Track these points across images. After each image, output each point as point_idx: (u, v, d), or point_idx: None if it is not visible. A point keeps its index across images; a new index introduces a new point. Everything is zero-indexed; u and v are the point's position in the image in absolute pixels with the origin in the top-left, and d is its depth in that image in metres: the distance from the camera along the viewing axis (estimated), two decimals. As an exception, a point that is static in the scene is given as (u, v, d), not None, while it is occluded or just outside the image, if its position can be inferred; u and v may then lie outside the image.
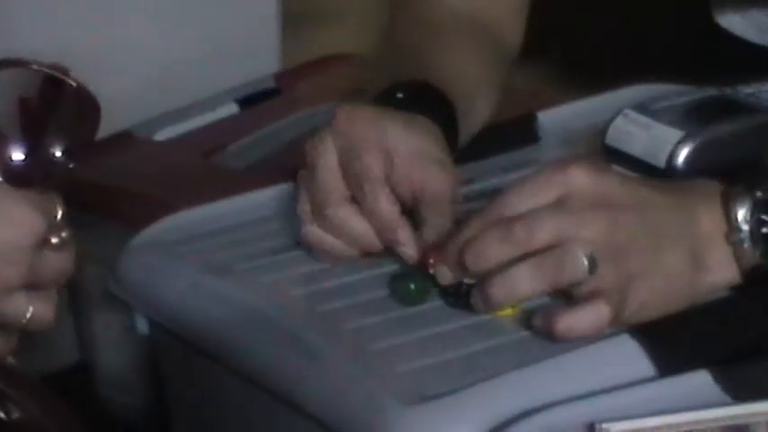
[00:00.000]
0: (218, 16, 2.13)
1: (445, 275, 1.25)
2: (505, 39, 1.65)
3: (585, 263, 1.19)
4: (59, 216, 1.26)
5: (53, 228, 1.25)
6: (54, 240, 1.25)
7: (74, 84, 1.29)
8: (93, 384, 1.91)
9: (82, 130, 1.32)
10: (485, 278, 1.21)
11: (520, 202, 1.23)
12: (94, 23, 2.00)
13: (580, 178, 1.23)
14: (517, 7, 1.68)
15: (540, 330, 1.20)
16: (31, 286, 1.26)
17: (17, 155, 1.30)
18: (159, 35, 2.08)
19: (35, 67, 1.30)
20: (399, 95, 1.42)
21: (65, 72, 1.30)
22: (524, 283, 1.20)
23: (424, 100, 1.43)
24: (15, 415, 1.33)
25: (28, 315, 1.25)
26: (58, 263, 1.27)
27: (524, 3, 1.67)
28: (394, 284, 1.30)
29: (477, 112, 1.53)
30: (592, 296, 1.19)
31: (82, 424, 1.33)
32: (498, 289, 1.20)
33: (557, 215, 1.21)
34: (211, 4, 2.13)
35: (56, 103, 1.32)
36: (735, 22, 1.79)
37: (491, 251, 1.21)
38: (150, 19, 2.07)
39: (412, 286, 1.28)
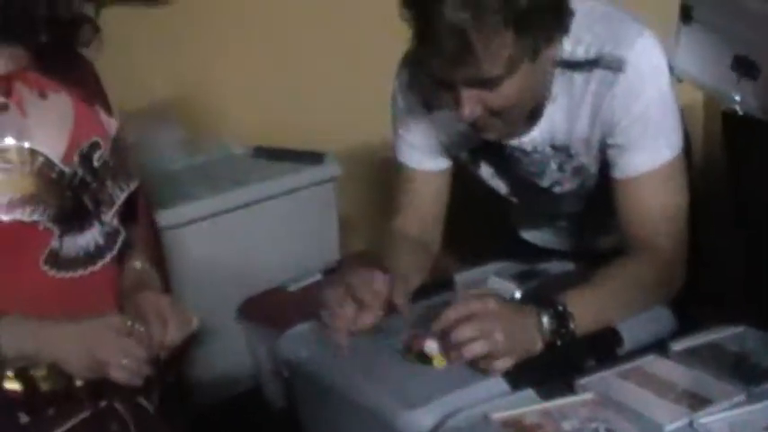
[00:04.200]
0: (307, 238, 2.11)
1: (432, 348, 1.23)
2: (430, 246, 1.53)
3: (486, 346, 1.19)
4: (130, 324, 1.15)
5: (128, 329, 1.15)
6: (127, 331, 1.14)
7: None
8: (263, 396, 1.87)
9: None
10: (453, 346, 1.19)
11: (456, 315, 1.21)
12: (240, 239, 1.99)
13: (478, 305, 1.22)
14: (437, 232, 1.54)
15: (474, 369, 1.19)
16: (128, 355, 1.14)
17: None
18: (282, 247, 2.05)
19: None
20: None
21: None
22: (469, 350, 1.19)
23: None
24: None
25: (124, 362, 1.13)
26: (133, 344, 1.15)
27: (439, 230, 1.54)
28: (410, 354, 1.24)
29: (411, 282, 1.42)
30: (490, 356, 1.19)
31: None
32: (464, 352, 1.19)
33: (471, 323, 1.20)
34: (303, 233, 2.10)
35: None
36: (530, 236, 1.69)
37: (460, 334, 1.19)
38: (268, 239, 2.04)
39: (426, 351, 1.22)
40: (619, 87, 1.32)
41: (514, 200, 1.57)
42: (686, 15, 1.31)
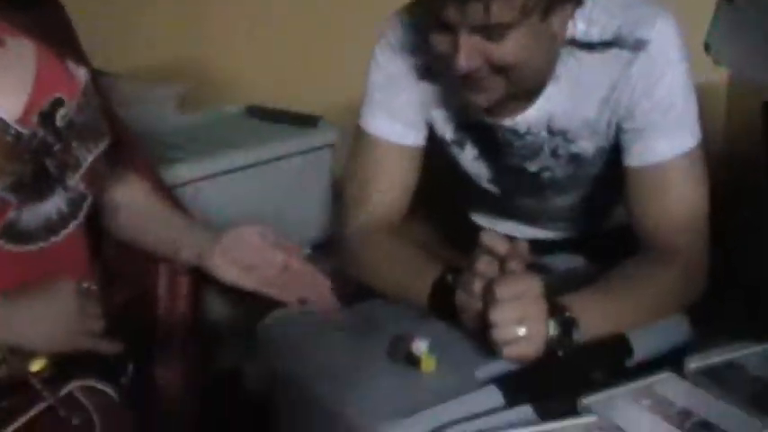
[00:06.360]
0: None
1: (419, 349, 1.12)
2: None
3: (525, 331, 1.08)
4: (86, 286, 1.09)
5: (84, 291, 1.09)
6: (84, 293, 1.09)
7: None
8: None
9: None
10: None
11: (503, 294, 1.09)
12: (226, 205, 1.81)
13: (524, 285, 1.10)
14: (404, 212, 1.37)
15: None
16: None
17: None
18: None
19: None
20: None
21: None
22: (507, 333, 1.08)
23: None
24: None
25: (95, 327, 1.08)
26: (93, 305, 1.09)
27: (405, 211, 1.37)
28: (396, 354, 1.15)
29: None
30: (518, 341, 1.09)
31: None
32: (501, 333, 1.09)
33: (516, 304, 1.09)
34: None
35: None
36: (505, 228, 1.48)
37: None
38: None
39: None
40: (638, 67, 1.22)
41: (494, 189, 1.43)
42: (728, -8, 1.18)
